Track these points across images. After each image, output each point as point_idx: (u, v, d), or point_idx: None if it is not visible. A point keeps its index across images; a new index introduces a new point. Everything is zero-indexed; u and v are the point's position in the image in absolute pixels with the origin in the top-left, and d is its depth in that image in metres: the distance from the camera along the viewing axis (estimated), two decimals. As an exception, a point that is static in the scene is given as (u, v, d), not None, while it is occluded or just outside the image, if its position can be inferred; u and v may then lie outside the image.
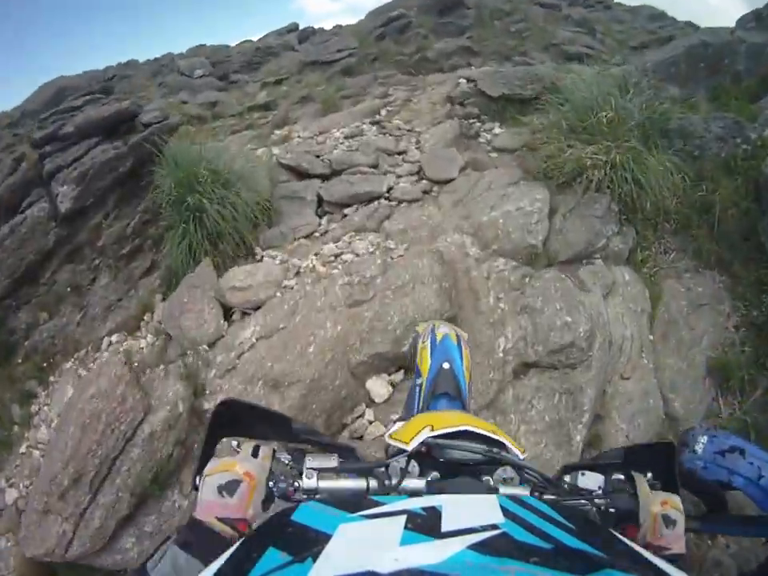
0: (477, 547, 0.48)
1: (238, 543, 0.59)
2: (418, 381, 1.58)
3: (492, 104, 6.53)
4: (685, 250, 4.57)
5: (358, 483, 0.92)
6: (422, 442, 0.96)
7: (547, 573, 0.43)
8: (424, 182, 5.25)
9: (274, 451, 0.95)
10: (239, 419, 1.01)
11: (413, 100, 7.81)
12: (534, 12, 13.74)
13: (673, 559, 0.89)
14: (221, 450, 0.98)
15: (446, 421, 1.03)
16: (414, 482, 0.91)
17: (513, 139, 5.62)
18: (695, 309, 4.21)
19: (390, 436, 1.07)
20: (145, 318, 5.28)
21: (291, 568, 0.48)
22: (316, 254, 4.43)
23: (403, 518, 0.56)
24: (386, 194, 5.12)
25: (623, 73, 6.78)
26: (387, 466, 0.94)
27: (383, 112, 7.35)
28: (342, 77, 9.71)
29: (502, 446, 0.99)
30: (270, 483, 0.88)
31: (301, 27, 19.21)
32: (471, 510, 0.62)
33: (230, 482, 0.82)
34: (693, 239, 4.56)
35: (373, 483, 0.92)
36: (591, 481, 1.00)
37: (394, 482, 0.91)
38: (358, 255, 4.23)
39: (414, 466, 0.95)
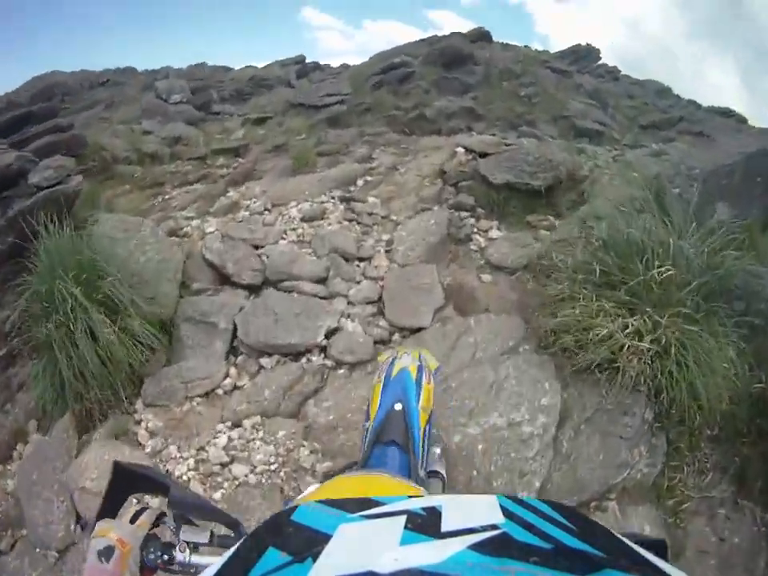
0: (477, 547, 0.46)
1: (237, 543, 0.55)
2: (365, 425, 1.40)
3: (492, 192, 5.15)
4: (725, 470, 3.08)
5: None
6: None
7: (547, 573, 0.42)
8: (383, 323, 3.80)
9: (160, 516, 0.90)
10: (131, 481, 0.94)
11: (399, 169, 6.43)
12: (545, 76, 12.61)
13: None
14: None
15: (350, 487, 1.00)
16: None
17: (514, 252, 4.24)
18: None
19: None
20: (17, 448, 3.76)
21: (291, 568, 0.46)
22: (200, 449, 3.01)
23: (403, 518, 0.54)
24: (324, 343, 3.59)
25: (658, 173, 5.46)
26: None
27: (360, 182, 6.01)
28: (326, 126, 8.37)
29: None
30: (144, 552, 0.84)
31: (309, 60, 18.13)
32: (471, 510, 0.58)
33: (107, 548, 0.80)
34: (737, 454, 3.09)
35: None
36: None
37: None
38: (254, 469, 2.71)
39: None
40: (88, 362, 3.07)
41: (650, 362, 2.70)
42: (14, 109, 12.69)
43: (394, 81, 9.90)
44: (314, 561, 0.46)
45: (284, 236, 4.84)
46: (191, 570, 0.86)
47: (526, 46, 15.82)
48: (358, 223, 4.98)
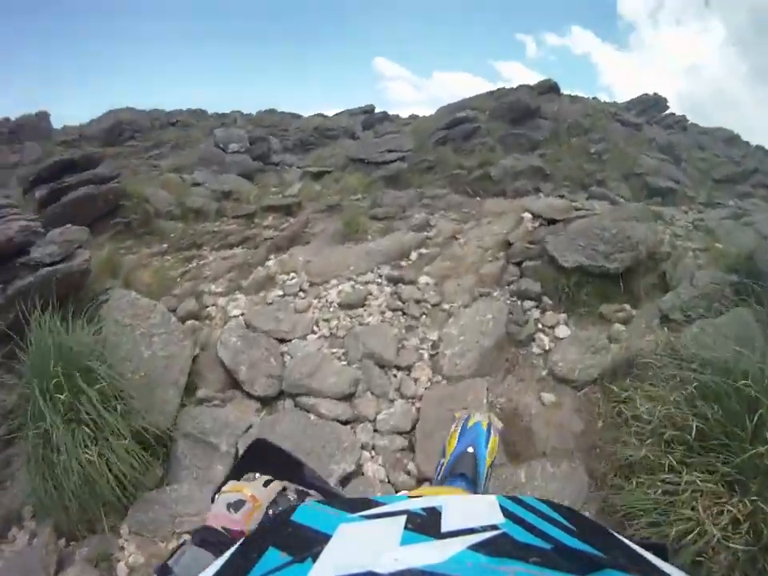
0: (477, 547, 0.46)
1: (237, 544, 0.56)
2: (441, 461, 1.58)
3: (561, 277, 4.63)
4: None
5: None
6: None
7: (547, 573, 0.41)
8: (411, 466, 3.22)
9: (285, 488, 0.98)
10: (265, 458, 1.08)
11: (458, 238, 6.01)
12: (615, 130, 12.01)
13: None
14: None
15: (435, 492, 1.10)
16: None
17: (584, 359, 3.72)
18: None
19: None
20: (12, 531, 3.49)
21: (291, 568, 0.46)
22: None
23: (403, 518, 0.54)
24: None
25: (751, 252, 4.79)
26: None
27: (413, 255, 5.57)
28: (384, 185, 8.07)
29: None
30: (270, 511, 0.92)
31: (379, 110, 18.23)
32: (471, 511, 0.58)
33: (238, 501, 0.88)
34: None
35: None
36: None
37: None
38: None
39: None
40: (68, 479, 2.72)
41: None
42: (78, 145, 13.22)
43: (458, 137, 9.57)
44: (314, 561, 0.45)
45: (315, 328, 4.38)
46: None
47: (594, 98, 15.24)
48: (404, 314, 4.46)
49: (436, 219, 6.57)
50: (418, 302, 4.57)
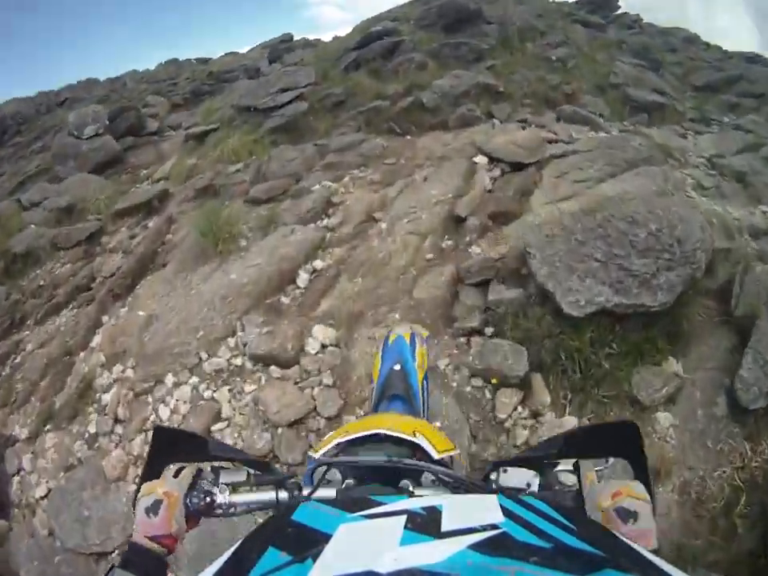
0: (477, 547, 0.45)
1: (238, 543, 0.55)
2: (372, 386, 1.50)
3: (564, 331, 2.23)
4: None
5: (267, 495, 0.89)
6: (329, 451, 0.97)
7: (547, 573, 0.41)
8: None
9: (200, 471, 0.92)
10: (172, 444, 0.97)
11: (378, 220, 3.55)
12: (576, 32, 9.51)
13: None
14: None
15: (363, 426, 1.02)
16: (325, 492, 0.86)
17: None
18: None
19: (313, 449, 1.05)
20: None
21: (291, 568, 0.45)
22: None
23: (403, 517, 0.52)
24: None
25: None
26: (293, 477, 0.92)
27: (302, 279, 3.36)
28: (276, 140, 5.38)
29: (420, 449, 0.96)
30: (188, 500, 0.87)
31: (301, 37, 14.90)
32: (471, 510, 0.57)
33: (154, 503, 0.82)
34: None
35: (282, 494, 0.89)
36: (516, 478, 0.84)
37: (305, 492, 0.87)
38: None
39: (336, 474, 0.90)
40: None
41: None
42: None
43: (376, 56, 6.83)
44: (314, 561, 0.44)
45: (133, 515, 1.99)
46: (231, 510, 0.88)
47: (540, -2, 12.46)
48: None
49: (345, 187, 4.08)
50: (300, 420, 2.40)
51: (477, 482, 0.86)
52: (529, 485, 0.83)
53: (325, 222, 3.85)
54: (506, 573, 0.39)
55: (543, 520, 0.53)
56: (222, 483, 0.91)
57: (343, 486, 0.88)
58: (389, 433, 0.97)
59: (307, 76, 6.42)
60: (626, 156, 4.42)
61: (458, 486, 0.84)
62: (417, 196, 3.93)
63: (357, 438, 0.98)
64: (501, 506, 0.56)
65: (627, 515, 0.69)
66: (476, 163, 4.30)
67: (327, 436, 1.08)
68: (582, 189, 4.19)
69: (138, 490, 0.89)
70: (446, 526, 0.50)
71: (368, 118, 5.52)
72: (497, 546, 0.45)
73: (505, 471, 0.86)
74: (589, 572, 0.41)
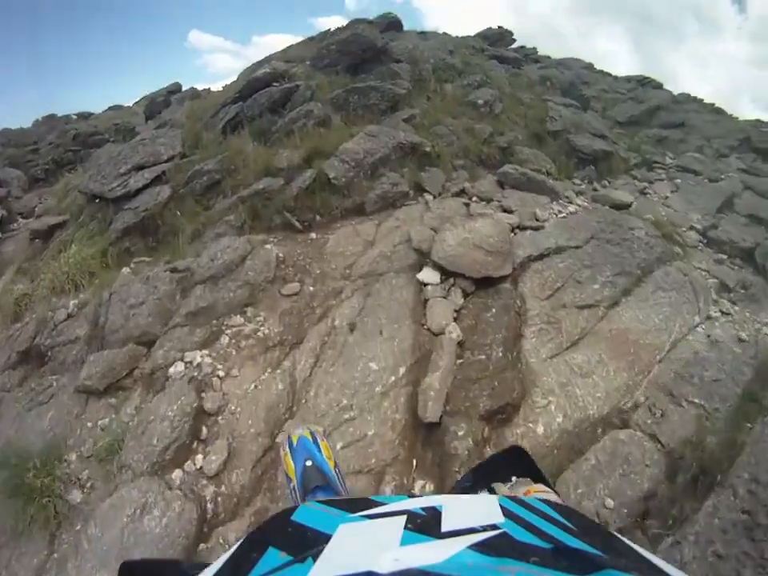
0: (477, 547, 0.44)
1: (238, 543, 0.54)
2: (291, 485, 1.49)
3: None
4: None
5: None
6: None
7: (547, 573, 0.40)
8: None
9: None
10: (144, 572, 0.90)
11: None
12: (494, 69, 8.31)
13: None
14: None
15: None
16: None
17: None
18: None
19: None
20: None
21: (291, 568, 0.44)
22: None
23: (403, 518, 0.51)
24: None
25: None
26: None
27: None
28: (134, 239, 3.60)
29: None
30: None
31: (194, 87, 13.08)
32: (471, 510, 0.56)
33: None
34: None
35: None
36: None
37: None
38: None
39: None
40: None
41: None
42: None
43: (263, 110, 5.10)
44: (314, 561, 0.43)
45: None
46: None
47: (444, 33, 11.43)
48: None
49: (223, 360, 2.87)
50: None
51: None
52: None
53: (195, 465, 2.24)
54: (506, 573, 0.38)
55: (543, 520, 0.51)
56: None
57: None
58: None
59: (171, 145, 4.53)
60: (632, 257, 2.96)
61: None
62: (347, 374, 2.23)
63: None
64: (501, 506, 0.54)
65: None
66: (424, 285, 2.62)
67: None
68: (593, 321, 2.68)
69: None
70: (446, 527, 0.48)
71: (253, 208, 3.78)
72: (497, 546, 0.43)
73: None
74: (589, 572, 0.39)
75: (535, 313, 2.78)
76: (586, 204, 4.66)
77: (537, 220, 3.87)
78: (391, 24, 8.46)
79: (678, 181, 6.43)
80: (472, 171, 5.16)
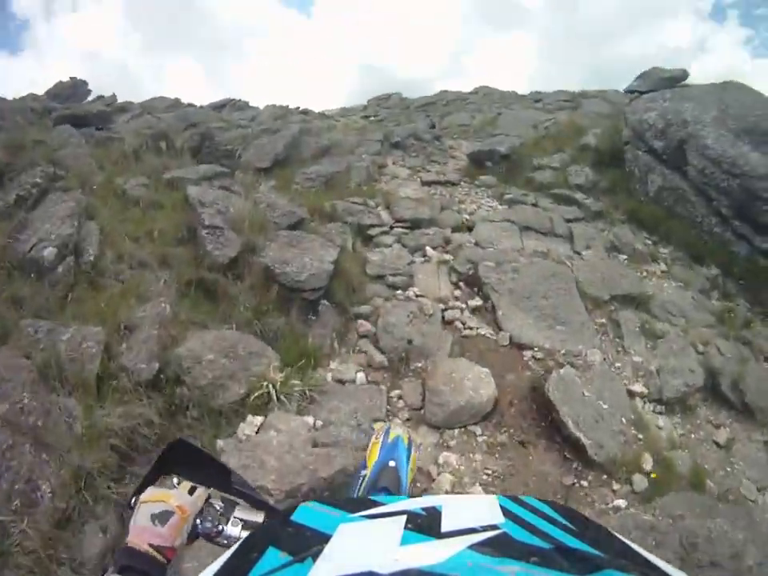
0: (477, 547, 0.44)
1: (238, 543, 0.55)
2: (362, 472, 1.52)
3: None
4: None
5: None
6: None
7: (547, 573, 0.40)
8: None
9: (209, 495, 0.93)
10: (187, 460, 0.98)
11: None
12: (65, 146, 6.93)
13: None
14: (159, 483, 0.95)
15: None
16: None
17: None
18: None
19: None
20: None
21: (291, 568, 0.44)
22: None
23: (403, 518, 0.51)
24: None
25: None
26: None
27: None
28: None
29: None
30: (198, 521, 0.88)
31: None
32: (471, 510, 0.56)
33: (164, 512, 0.81)
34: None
35: None
36: None
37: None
38: None
39: None
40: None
41: None
42: None
43: None
44: (314, 561, 0.43)
45: None
46: (232, 544, 0.81)
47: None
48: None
49: None
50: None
51: None
52: None
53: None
54: (506, 573, 0.38)
55: (543, 520, 0.51)
56: (236, 517, 0.89)
57: None
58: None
59: None
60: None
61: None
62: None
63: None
64: (501, 506, 0.54)
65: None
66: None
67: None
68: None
69: (141, 486, 0.88)
70: (446, 527, 0.49)
71: None
72: (497, 546, 0.43)
73: None
74: (589, 572, 0.39)
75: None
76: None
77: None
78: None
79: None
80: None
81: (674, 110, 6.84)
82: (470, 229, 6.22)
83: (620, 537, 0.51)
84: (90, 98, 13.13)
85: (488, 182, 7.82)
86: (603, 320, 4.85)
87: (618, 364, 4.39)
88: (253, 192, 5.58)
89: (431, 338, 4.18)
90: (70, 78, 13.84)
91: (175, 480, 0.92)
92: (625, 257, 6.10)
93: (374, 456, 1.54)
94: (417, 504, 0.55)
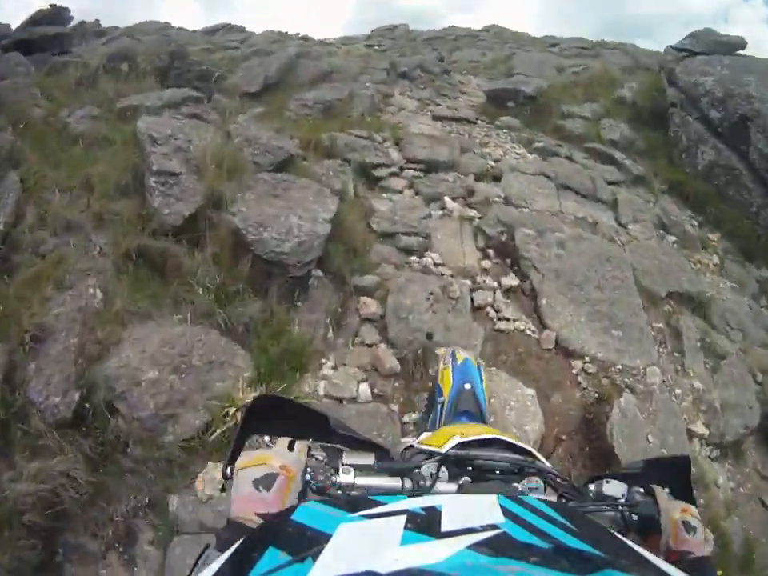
0: (477, 547, 0.43)
1: (238, 543, 0.52)
2: (440, 399, 1.50)
3: None
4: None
5: (393, 482, 0.84)
6: (453, 447, 0.92)
7: (547, 573, 0.39)
8: None
9: (310, 448, 0.85)
10: (274, 415, 0.89)
11: None
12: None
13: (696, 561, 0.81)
14: (249, 446, 0.85)
15: (474, 431, 1.02)
16: (446, 486, 0.85)
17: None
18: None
19: (420, 442, 1.02)
20: None
21: (291, 568, 0.43)
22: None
23: (403, 518, 0.50)
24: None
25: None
26: (419, 468, 0.86)
27: None
28: None
29: (529, 454, 0.96)
30: (308, 477, 0.79)
31: None
32: (471, 510, 0.55)
33: (267, 476, 0.72)
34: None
35: (408, 484, 0.83)
36: (615, 489, 0.92)
37: (427, 483, 0.83)
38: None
39: (444, 471, 0.87)
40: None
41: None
42: None
43: None
44: (314, 561, 0.42)
45: None
46: (351, 492, 0.81)
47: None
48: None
49: None
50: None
51: (581, 490, 0.89)
52: (623, 495, 0.88)
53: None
54: (506, 573, 0.38)
55: (543, 520, 0.51)
56: (345, 464, 0.83)
57: (461, 482, 0.85)
58: (504, 439, 0.96)
59: None
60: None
61: (568, 494, 0.86)
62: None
63: (473, 441, 0.93)
64: (501, 505, 0.54)
65: (689, 528, 0.81)
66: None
67: (436, 432, 1.08)
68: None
69: (233, 454, 0.80)
70: (445, 526, 0.48)
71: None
72: (497, 546, 0.43)
73: (608, 482, 0.90)
74: (589, 572, 0.39)
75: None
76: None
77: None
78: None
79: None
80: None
81: (736, 81, 5.91)
82: (496, 179, 5.21)
83: (620, 537, 0.50)
84: (72, 24, 11.68)
85: (510, 123, 6.91)
86: (661, 324, 3.90)
87: (677, 390, 3.51)
88: (229, 122, 4.50)
89: (457, 333, 3.18)
90: (50, 5, 12.28)
91: (267, 438, 0.83)
92: (674, 239, 5.16)
93: (447, 381, 1.49)
94: (417, 503, 0.54)
